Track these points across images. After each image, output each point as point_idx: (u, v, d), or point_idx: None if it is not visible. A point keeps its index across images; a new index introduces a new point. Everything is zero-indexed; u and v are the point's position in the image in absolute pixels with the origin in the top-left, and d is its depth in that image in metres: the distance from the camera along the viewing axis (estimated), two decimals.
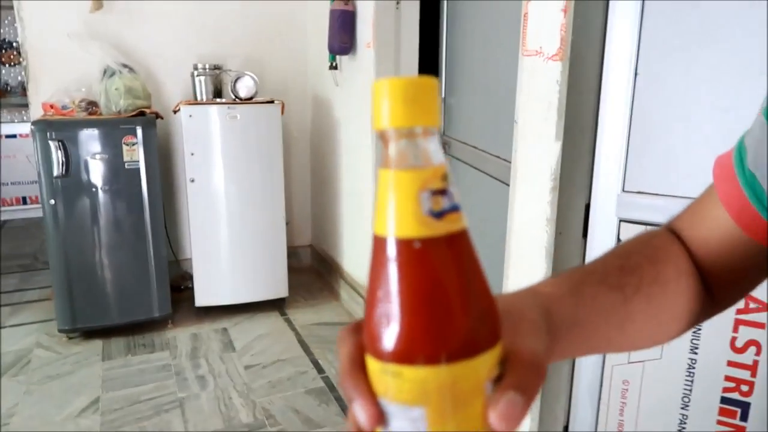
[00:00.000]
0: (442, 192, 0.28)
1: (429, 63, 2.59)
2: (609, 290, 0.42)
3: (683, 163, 1.33)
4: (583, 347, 0.41)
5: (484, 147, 2.09)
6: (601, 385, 1.50)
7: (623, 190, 1.42)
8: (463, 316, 0.29)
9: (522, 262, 1.65)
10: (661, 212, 1.41)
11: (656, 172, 1.36)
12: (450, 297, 0.29)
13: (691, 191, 1.34)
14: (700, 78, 1.27)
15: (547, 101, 1.44)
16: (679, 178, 1.33)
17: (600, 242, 1.48)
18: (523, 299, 0.37)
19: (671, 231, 0.50)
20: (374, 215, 0.30)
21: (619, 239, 1.46)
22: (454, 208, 0.29)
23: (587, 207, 1.50)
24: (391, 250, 0.28)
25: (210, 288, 2.91)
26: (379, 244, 0.29)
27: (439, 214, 0.28)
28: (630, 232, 1.43)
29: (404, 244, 0.28)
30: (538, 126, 1.49)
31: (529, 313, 0.35)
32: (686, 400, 1.38)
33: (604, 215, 1.46)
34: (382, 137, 0.29)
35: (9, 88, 4.78)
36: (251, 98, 2.76)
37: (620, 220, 1.44)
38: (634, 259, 0.46)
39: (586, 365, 1.53)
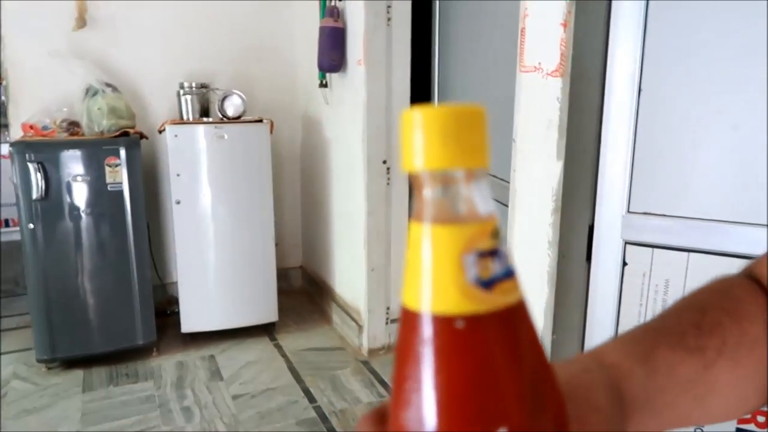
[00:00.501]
0: (492, 254, 0.22)
1: (421, 80, 2.53)
2: (686, 355, 0.35)
3: (691, 182, 1.26)
4: (654, 425, 0.35)
5: None
6: None
7: (628, 211, 1.35)
8: (519, 418, 0.22)
9: (523, 286, 1.58)
10: (669, 234, 1.35)
11: (663, 192, 1.30)
12: (503, 393, 0.22)
13: (701, 212, 1.28)
14: (707, 94, 1.21)
15: (547, 119, 1.38)
16: (688, 198, 1.27)
17: (605, 266, 1.41)
18: (587, 375, 0.31)
19: (752, 279, 0.42)
20: (404, 281, 0.24)
21: (625, 262, 1.39)
22: (508, 275, 0.22)
23: (591, 229, 1.43)
24: (426, 330, 0.22)
25: (197, 313, 2.81)
26: (409, 320, 0.22)
27: (488, 283, 0.22)
28: (637, 255, 1.36)
29: (443, 323, 0.22)
30: (538, 145, 1.42)
31: (597, 397, 0.29)
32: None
33: (609, 237, 1.39)
34: (413, 181, 0.23)
35: None
36: (239, 117, 2.69)
37: (626, 243, 1.38)
38: (713, 315, 0.38)
39: None
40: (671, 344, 0.35)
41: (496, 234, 0.22)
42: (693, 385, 0.35)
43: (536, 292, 1.51)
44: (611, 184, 1.35)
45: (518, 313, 0.22)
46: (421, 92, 2.52)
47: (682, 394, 0.35)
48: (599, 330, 1.45)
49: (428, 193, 0.22)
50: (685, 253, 1.30)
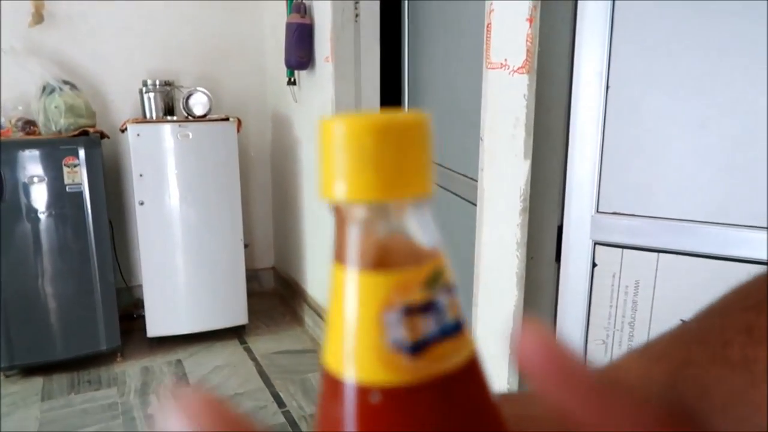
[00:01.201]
0: (424, 309, 0.17)
1: (391, 77, 2.49)
2: (727, 370, 0.27)
3: (661, 181, 1.24)
4: None
5: (450, 165, 1.99)
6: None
7: (597, 211, 1.32)
8: None
9: (492, 288, 1.55)
10: (639, 234, 1.32)
11: (632, 192, 1.27)
12: None
13: (671, 211, 1.25)
14: (675, 92, 1.19)
15: (514, 117, 1.34)
16: (657, 198, 1.25)
17: (574, 267, 1.38)
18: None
19: None
20: (326, 333, 0.19)
21: (594, 263, 1.36)
22: (447, 333, 0.18)
23: (560, 229, 1.40)
24: (340, 400, 0.17)
25: (163, 317, 2.73)
26: (326, 381, 0.18)
27: (416, 348, 0.17)
28: (606, 255, 1.34)
29: (358, 395, 0.17)
30: (506, 144, 1.39)
31: None
32: None
33: (578, 238, 1.36)
34: (333, 211, 0.18)
35: None
36: (205, 116, 2.62)
37: (595, 243, 1.35)
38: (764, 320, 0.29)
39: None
40: (709, 359, 0.28)
41: (434, 281, 0.18)
42: (733, 407, 0.27)
43: (505, 293, 1.47)
44: (580, 184, 1.32)
45: (460, 381, 0.18)
46: (391, 91, 2.48)
47: (721, 418, 0.28)
48: (569, 332, 1.42)
49: (350, 227, 0.18)
50: (655, 254, 1.28)
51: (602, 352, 1.40)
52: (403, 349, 0.17)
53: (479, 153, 1.49)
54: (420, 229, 0.18)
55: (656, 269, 1.29)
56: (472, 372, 0.18)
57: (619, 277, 1.34)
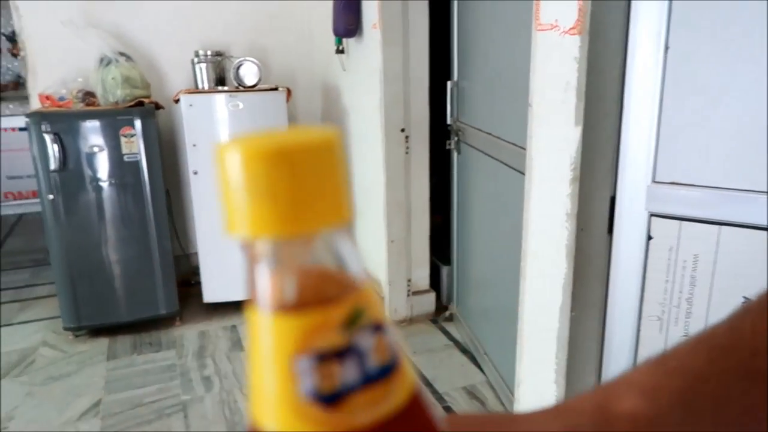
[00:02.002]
0: (342, 354, 0.16)
1: (440, 43, 2.42)
2: (749, 383, 0.25)
3: (723, 149, 1.15)
4: None
5: (497, 133, 1.93)
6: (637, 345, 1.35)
7: (654, 181, 1.25)
8: None
9: (540, 261, 1.50)
10: (699, 206, 1.24)
11: (692, 161, 1.19)
12: None
13: (733, 181, 1.17)
14: (741, 52, 1.09)
15: (564, 81, 1.27)
16: (719, 167, 1.16)
17: (628, 239, 1.32)
18: None
19: None
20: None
21: (650, 236, 1.29)
22: (370, 380, 0.16)
23: (612, 200, 1.33)
24: None
25: (218, 283, 2.81)
26: (250, 428, 0.17)
27: (331, 398, 0.15)
28: (663, 228, 1.27)
29: None
30: (556, 109, 1.32)
31: None
32: None
33: (633, 209, 1.29)
34: (242, 246, 0.17)
35: (21, 80, 4.74)
36: (255, 85, 2.63)
37: (651, 215, 1.28)
38: None
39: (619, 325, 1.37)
40: (731, 370, 0.25)
41: (354, 321, 0.16)
42: (749, 422, 0.25)
43: (555, 266, 1.42)
44: (634, 152, 1.25)
45: (389, 431, 0.16)
46: (439, 57, 2.41)
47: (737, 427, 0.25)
48: (621, 308, 1.37)
49: (257, 265, 0.16)
50: (716, 226, 1.20)
51: (657, 329, 1.33)
52: (318, 400, 0.15)
53: (527, 119, 1.43)
54: (338, 260, 0.16)
55: (717, 243, 1.21)
56: (405, 420, 0.16)
57: (677, 251, 1.27)
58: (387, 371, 0.16)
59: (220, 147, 0.15)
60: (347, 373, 0.16)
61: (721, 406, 0.25)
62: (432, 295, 2.73)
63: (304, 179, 0.15)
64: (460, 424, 0.21)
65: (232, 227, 0.16)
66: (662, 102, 1.18)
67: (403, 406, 0.16)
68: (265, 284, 0.16)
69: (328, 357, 0.15)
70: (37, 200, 2.49)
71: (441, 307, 2.77)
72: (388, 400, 0.16)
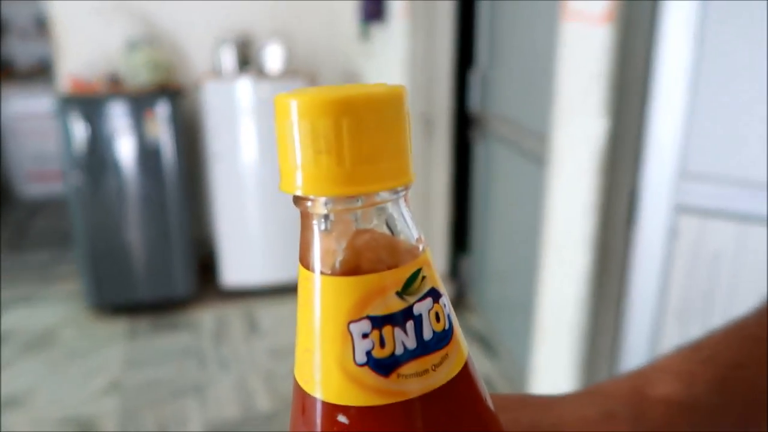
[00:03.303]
0: (397, 320, 0.15)
1: (465, 30, 2.39)
2: None
3: (754, 139, 1.12)
4: None
5: (521, 122, 1.91)
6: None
7: (679, 173, 1.22)
8: None
9: (561, 252, 1.48)
10: (725, 200, 1.21)
11: (720, 154, 1.17)
12: None
13: (761, 175, 1.14)
14: None
15: (591, 70, 1.25)
16: (747, 161, 1.13)
17: (651, 233, 1.29)
18: (609, 424, 0.22)
19: None
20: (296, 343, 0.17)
21: (674, 230, 1.27)
22: (425, 347, 0.15)
23: (634, 192, 1.31)
24: (309, 416, 0.16)
25: (237, 268, 2.83)
26: (296, 394, 0.17)
27: (385, 365, 0.15)
28: (687, 222, 1.24)
29: (326, 413, 0.15)
30: (581, 99, 1.30)
31: None
32: None
33: (656, 202, 1.27)
34: (297, 205, 0.16)
35: (46, 65, 4.81)
36: (279, 70, 2.63)
37: (675, 208, 1.25)
38: None
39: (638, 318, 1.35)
40: (763, 360, 0.25)
41: (413, 286, 0.15)
42: None
43: (576, 258, 1.41)
44: (660, 144, 1.22)
45: (441, 401, 0.15)
46: (465, 45, 2.39)
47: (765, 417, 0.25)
48: (641, 301, 1.35)
49: (314, 222, 0.16)
50: (741, 222, 1.17)
51: (676, 324, 1.31)
52: (372, 367, 0.15)
53: (552, 109, 1.41)
54: (396, 225, 0.16)
55: (745, 240, 1.19)
56: (456, 388, 0.16)
57: (701, 246, 1.25)
58: (443, 340, 0.16)
59: (280, 98, 0.15)
60: (404, 339, 0.15)
61: (754, 394, 0.24)
62: (451, 285, 2.72)
63: (368, 135, 0.14)
64: (497, 406, 0.21)
65: (288, 185, 0.15)
66: (692, 93, 1.16)
67: (456, 375, 0.16)
68: (323, 246, 0.15)
69: (383, 322, 0.15)
70: (62, 182, 2.53)
71: (459, 296, 2.76)
72: (443, 369, 0.16)
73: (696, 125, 1.17)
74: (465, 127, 2.43)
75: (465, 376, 0.16)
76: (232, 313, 2.77)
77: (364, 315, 0.15)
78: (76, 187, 2.47)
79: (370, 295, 0.15)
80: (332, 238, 0.15)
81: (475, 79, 2.29)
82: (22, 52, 4.97)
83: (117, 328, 2.63)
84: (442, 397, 0.15)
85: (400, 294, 0.15)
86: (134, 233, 2.61)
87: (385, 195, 0.15)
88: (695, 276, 1.26)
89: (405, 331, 0.15)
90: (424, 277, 0.16)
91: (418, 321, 0.15)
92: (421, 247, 0.16)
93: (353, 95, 0.14)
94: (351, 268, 0.15)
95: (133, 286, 2.67)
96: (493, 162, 2.23)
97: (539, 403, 0.24)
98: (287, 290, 2.92)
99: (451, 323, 0.16)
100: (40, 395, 2.15)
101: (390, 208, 0.16)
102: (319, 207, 0.15)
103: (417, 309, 0.15)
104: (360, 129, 0.14)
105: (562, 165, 1.41)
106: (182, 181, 2.61)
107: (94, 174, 2.48)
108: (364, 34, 2.69)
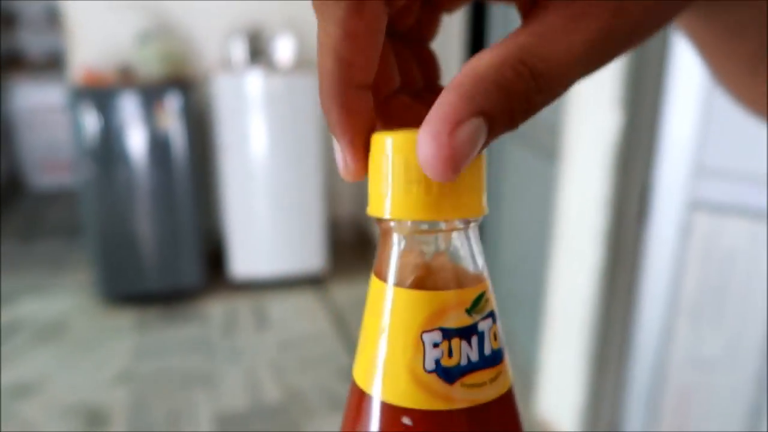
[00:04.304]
0: (464, 334, 0.17)
1: (477, 30, 2.38)
2: None
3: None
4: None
5: (537, 117, 1.89)
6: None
7: (694, 170, 1.21)
8: None
9: (573, 247, 1.47)
10: (742, 197, 1.20)
11: (736, 151, 1.15)
12: None
13: None
14: None
15: None
16: (766, 156, 1.11)
17: (665, 229, 1.28)
18: None
19: None
20: (357, 347, 0.19)
21: (688, 227, 1.25)
22: (485, 362, 0.17)
23: (647, 187, 1.30)
24: (370, 417, 0.17)
25: (246, 260, 2.84)
26: (355, 395, 0.18)
27: (451, 374, 0.17)
28: (702, 218, 1.22)
29: (389, 415, 0.17)
30: (593, 91, 1.28)
31: None
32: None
33: (671, 198, 1.26)
34: (378, 223, 0.19)
35: (56, 57, 4.84)
36: (290, 62, 2.63)
37: (691, 204, 1.24)
38: None
39: (649, 315, 1.34)
40: None
41: (477, 306, 0.17)
42: None
43: (588, 254, 1.40)
44: (675, 139, 1.21)
45: (493, 414, 0.17)
46: (475, 39, 2.37)
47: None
48: (653, 299, 1.33)
49: (395, 242, 0.18)
50: (759, 219, 1.16)
51: (690, 322, 1.30)
52: (440, 374, 0.16)
53: (564, 102, 1.40)
54: (467, 251, 0.18)
55: (757, 236, 1.17)
56: (505, 405, 0.18)
57: (714, 243, 1.23)
58: (497, 358, 0.17)
59: (377, 136, 0.17)
60: (468, 352, 0.17)
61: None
62: None
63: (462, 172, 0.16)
64: None
65: (376, 209, 0.17)
66: (708, 87, 1.14)
67: (504, 393, 0.18)
68: (402, 262, 0.17)
69: (452, 335, 0.17)
70: (73, 173, 2.54)
71: None
72: (496, 385, 0.17)
73: (711, 120, 1.15)
74: None
75: (510, 395, 0.18)
76: (242, 305, 2.78)
77: (437, 326, 0.17)
78: (87, 178, 2.48)
79: (444, 309, 0.17)
80: (412, 256, 0.18)
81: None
82: (34, 44, 5.00)
83: (127, 318, 2.64)
84: (494, 411, 0.17)
85: (469, 311, 0.17)
86: (145, 224, 2.62)
87: (461, 223, 0.18)
88: (708, 273, 1.24)
89: (470, 345, 0.17)
90: (487, 300, 0.18)
91: (481, 337, 0.17)
92: (485, 273, 0.18)
93: None
94: (427, 284, 0.17)
95: (143, 277, 2.68)
96: (504, 156, 2.22)
97: None
98: (296, 282, 2.93)
99: (502, 344, 0.18)
100: (50, 384, 2.17)
101: (464, 235, 0.18)
102: (404, 228, 0.17)
103: (481, 326, 0.17)
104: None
105: (575, 159, 1.39)
106: (192, 172, 2.61)
107: (105, 165, 2.49)
108: None
